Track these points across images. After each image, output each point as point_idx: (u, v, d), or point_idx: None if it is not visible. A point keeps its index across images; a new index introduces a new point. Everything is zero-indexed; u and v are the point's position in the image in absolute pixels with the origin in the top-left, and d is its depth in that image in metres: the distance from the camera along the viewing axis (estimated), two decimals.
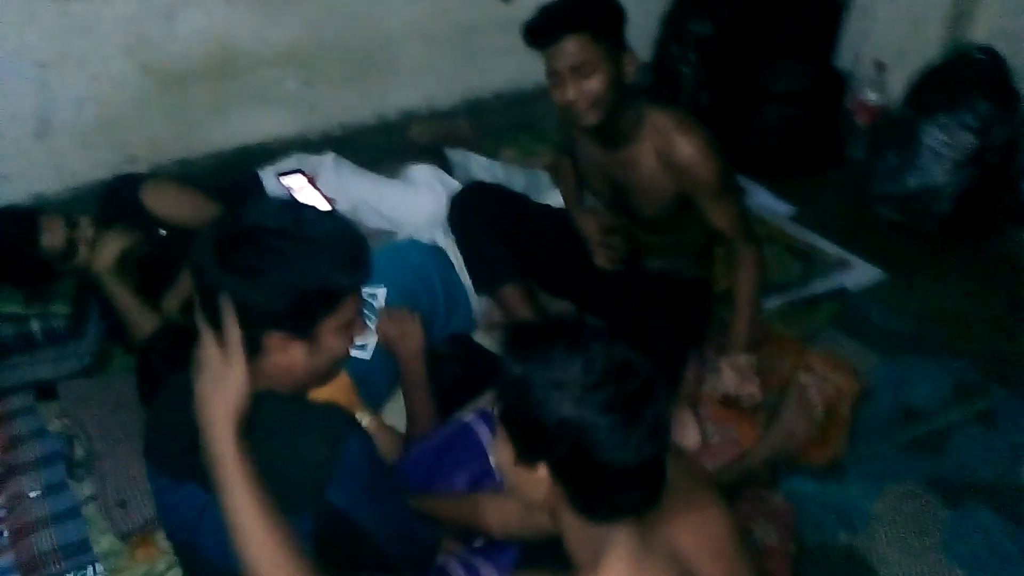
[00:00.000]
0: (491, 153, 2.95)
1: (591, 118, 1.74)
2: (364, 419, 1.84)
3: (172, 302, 2.20)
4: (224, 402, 1.10)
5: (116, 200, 2.22)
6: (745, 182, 2.96)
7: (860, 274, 2.52)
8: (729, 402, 1.92)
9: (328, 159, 2.45)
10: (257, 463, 1.09)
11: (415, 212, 2.32)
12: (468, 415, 1.73)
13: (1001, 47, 2.68)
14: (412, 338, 1.76)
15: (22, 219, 2.05)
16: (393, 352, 1.78)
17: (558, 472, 1.00)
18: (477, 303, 2.22)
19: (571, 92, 1.70)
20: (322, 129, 2.85)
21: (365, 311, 2.04)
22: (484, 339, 2.20)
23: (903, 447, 1.97)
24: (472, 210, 2.11)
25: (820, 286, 2.46)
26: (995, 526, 1.79)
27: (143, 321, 2.02)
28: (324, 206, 2.02)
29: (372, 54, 2.83)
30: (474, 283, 2.13)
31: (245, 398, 1.10)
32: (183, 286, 2.22)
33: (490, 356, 2.11)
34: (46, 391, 2.05)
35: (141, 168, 2.60)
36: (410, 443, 1.73)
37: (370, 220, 2.38)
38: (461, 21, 2.92)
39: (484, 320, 2.25)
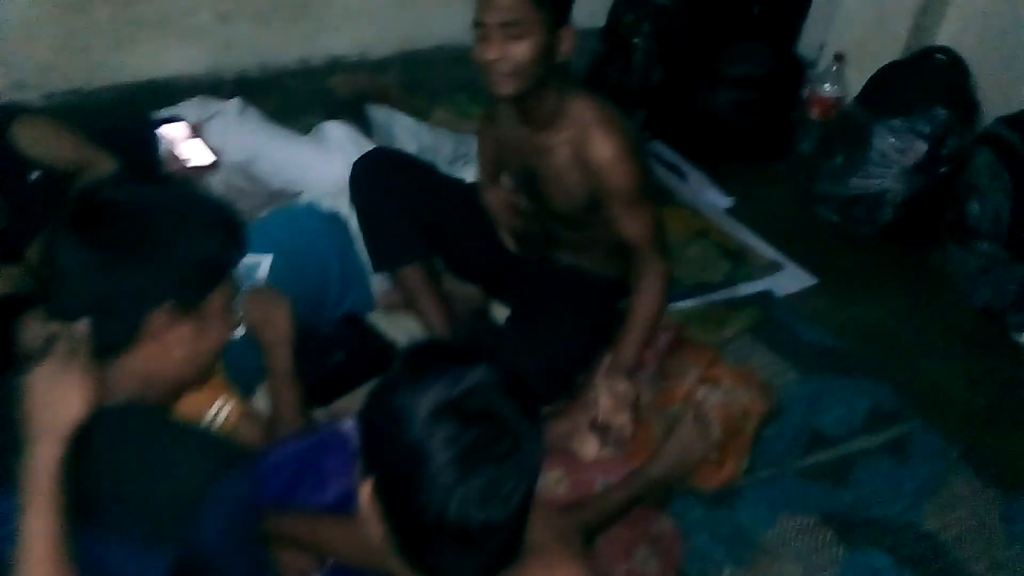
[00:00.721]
0: (423, 113, 2.75)
1: (507, 87, 1.56)
2: (228, 405, 1.69)
3: (40, 253, 2.01)
4: (59, 413, 1.00)
5: None
6: (686, 166, 2.83)
7: (790, 278, 2.40)
8: (598, 429, 1.77)
9: (231, 105, 2.24)
10: (112, 484, 1.01)
11: (320, 175, 2.14)
12: (346, 419, 1.59)
13: (967, 52, 2.53)
14: (278, 323, 1.58)
15: None
16: (256, 337, 1.62)
17: (381, 498, 0.90)
18: (376, 282, 2.06)
19: (493, 51, 1.52)
20: (237, 69, 2.64)
21: (242, 284, 1.89)
22: (381, 321, 2.05)
23: (805, 473, 1.87)
24: (374, 179, 1.92)
25: (746, 288, 2.34)
26: (889, 571, 1.70)
27: None
28: (207, 159, 1.83)
29: None
30: (372, 260, 1.97)
31: (88, 410, 1.00)
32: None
33: (382, 342, 1.96)
34: None
35: (31, 96, 2.37)
36: (272, 443, 1.59)
37: (270, 178, 2.19)
38: None
39: (382, 301, 2.09)
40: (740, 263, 2.41)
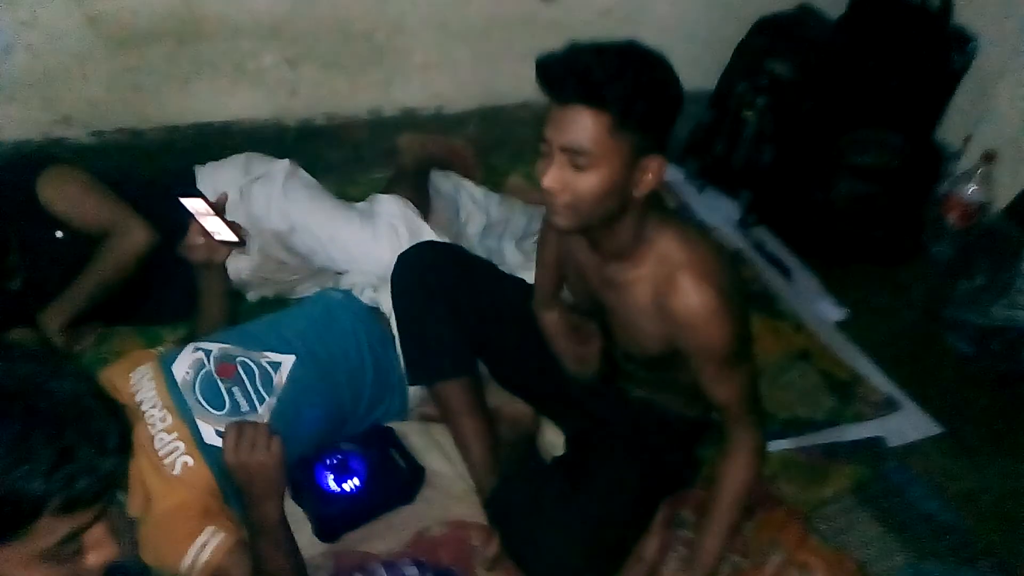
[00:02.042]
0: (497, 176, 2.49)
1: (563, 220, 1.26)
2: (216, 539, 1.43)
3: (55, 318, 1.82)
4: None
5: (7, 190, 1.82)
6: (793, 263, 2.46)
7: (908, 423, 2.00)
8: None
9: (279, 168, 2.01)
10: None
11: (364, 259, 1.87)
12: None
13: None
14: (266, 472, 1.32)
15: None
16: (238, 486, 1.36)
17: None
18: (415, 390, 1.79)
19: (551, 177, 1.21)
20: (302, 117, 2.41)
21: (257, 386, 1.64)
22: (414, 435, 1.77)
23: None
24: (417, 280, 1.64)
25: (853, 432, 1.95)
26: None
27: None
28: (230, 237, 1.59)
29: (375, 40, 2.36)
30: (408, 372, 1.69)
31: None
32: (72, 301, 1.84)
33: (409, 464, 1.68)
34: None
35: (78, 133, 2.20)
36: None
37: (312, 254, 1.95)
38: (487, 14, 2.42)
39: (419, 410, 1.81)
40: (849, 398, 2.03)
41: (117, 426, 0.80)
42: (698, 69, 2.74)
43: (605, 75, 1.15)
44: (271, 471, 1.30)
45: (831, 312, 2.30)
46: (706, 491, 1.54)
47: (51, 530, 0.76)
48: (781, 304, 2.28)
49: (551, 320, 1.60)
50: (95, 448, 0.77)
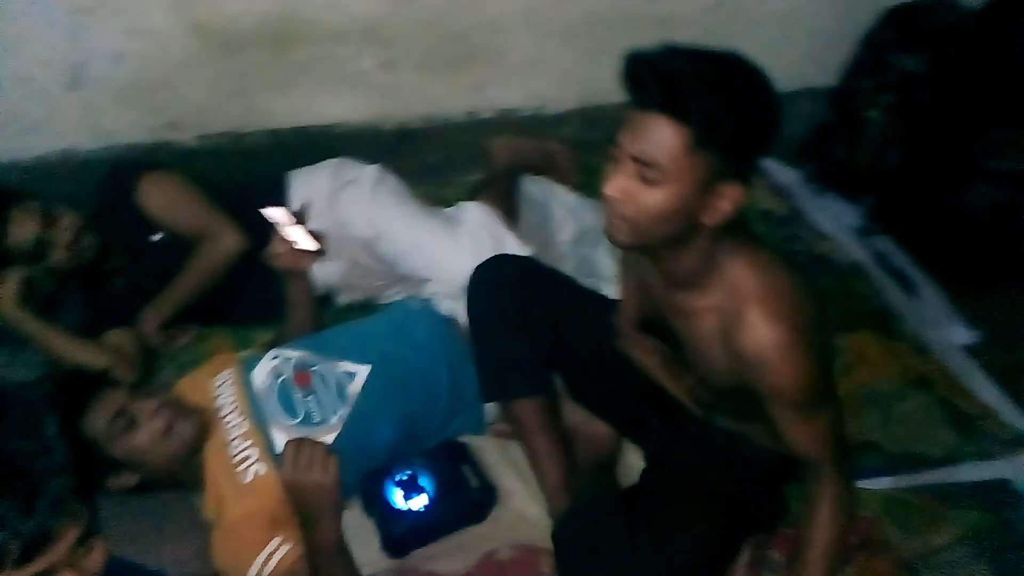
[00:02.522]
0: (593, 180, 2.38)
1: (617, 233, 1.16)
2: (285, 547, 1.43)
3: (152, 320, 1.89)
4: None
5: (110, 194, 1.90)
6: (918, 277, 2.24)
7: None
8: None
9: (368, 173, 2.00)
10: None
11: (446, 268, 1.83)
12: None
13: None
14: (322, 491, 1.30)
15: None
16: (295, 508, 1.34)
17: None
18: (491, 405, 1.73)
19: (615, 185, 1.12)
20: (400, 120, 2.40)
21: (332, 395, 1.63)
22: (489, 452, 1.72)
23: None
24: (493, 295, 1.59)
25: (975, 472, 1.75)
26: None
27: (84, 358, 1.71)
28: (312, 246, 1.59)
29: (472, 40, 2.32)
30: (481, 388, 1.64)
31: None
32: (168, 302, 1.89)
33: (481, 483, 1.63)
34: None
35: (185, 136, 2.27)
36: None
37: (397, 262, 1.93)
38: (588, 11, 2.33)
39: (496, 427, 1.76)
40: (972, 433, 1.82)
41: (60, 479, 0.75)
42: (818, 64, 2.56)
43: (694, 86, 1.04)
44: (326, 492, 1.28)
45: (960, 335, 2.07)
46: (794, 531, 1.40)
47: None
48: (901, 323, 2.08)
49: (636, 343, 1.50)
50: (18, 507, 0.72)
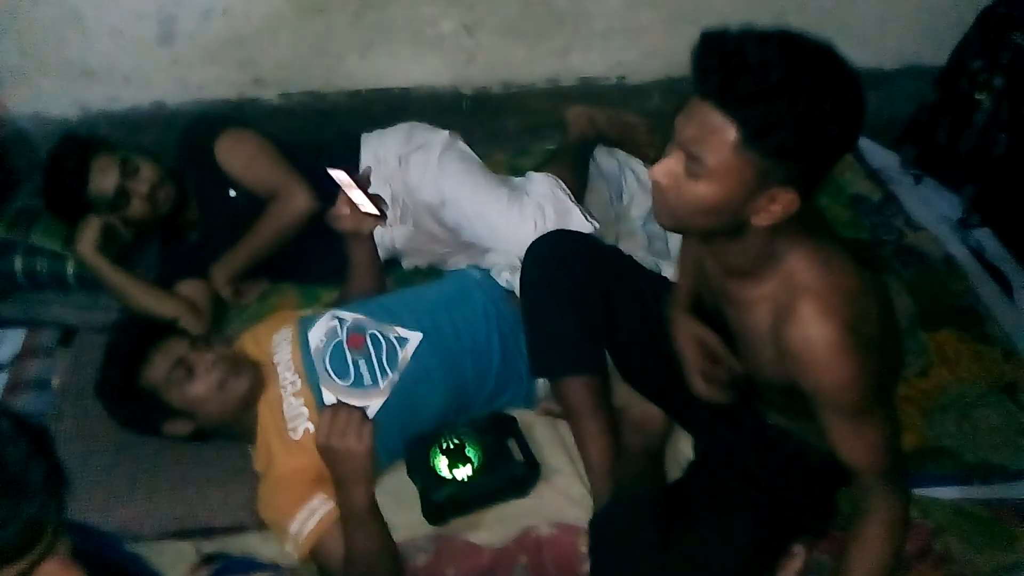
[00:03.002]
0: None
1: (659, 216, 1.12)
2: (323, 508, 1.46)
3: (222, 273, 1.94)
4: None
5: (190, 147, 1.95)
6: (1017, 276, 2.09)
7: None
8: None
9: (438, 139, 1.99)
10: None
11: (508, 238, 1.81)
12: None
13: None
14: (352, 460, 1.31)
15: (78, 152, 1.84)
16: (328, 469, 1.36)
17: None
18: (543, 381, 1.72)
19: (661, 169, 1.06)
20: (480, 84, 2.38)
21: (383, 360, 1.64)
22: (536, 428, 1.71)
23: None
24: (547, 271, 1.56)
25: None
26: None
27: (156, 307, 1.78)
28: (372, 210, 1.60)
29: (556, 5, 2.26)
30: (530, 360, 1.62)
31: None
32: (238, 257, 1.94)
33: (525, 458, 1.61)
34: (70, 336, 1.90)
35: (269, 93, 2.32)
36: None
37: (461, 229, 1.92)
38: None
39: (544, 404, 1.74)
40: None
41: (39, 464, 0.74)
42: (927, 41, 2.40)
43: (754, 84, 0.96)
44: (359, 459, 1.29)
45: None
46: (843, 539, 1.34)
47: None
48: (992, 325, 1.94)
49: (686, 333, 1.45)
50: (13, 495, 0.72)
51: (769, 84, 0.96)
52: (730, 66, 0.97)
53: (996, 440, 1.70)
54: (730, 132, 0.99)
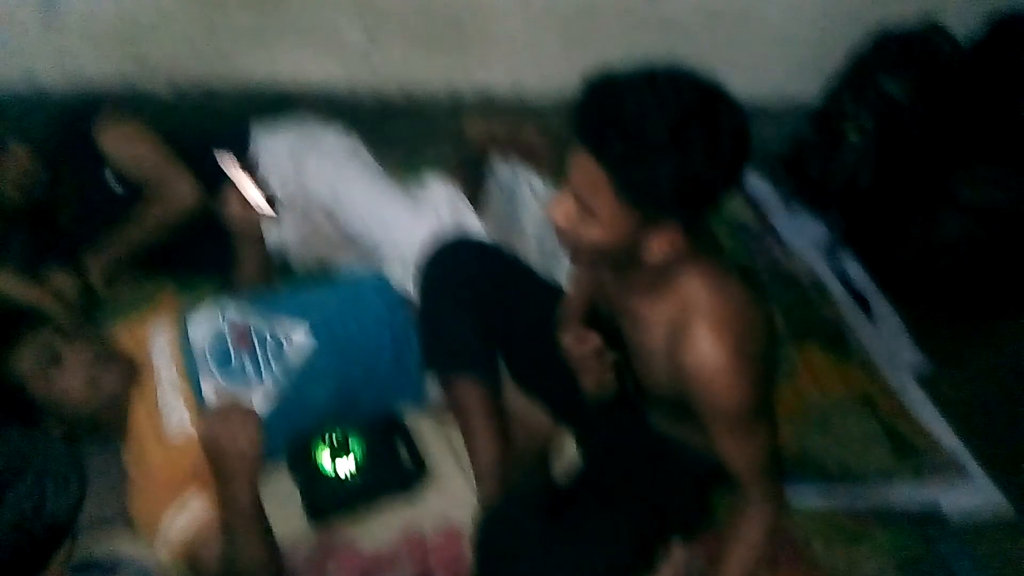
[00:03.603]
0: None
1: (563, 247, 1.14)
2: (194, 505, 1.40)
3: (96, 263, 1.86)
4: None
5: (70, 132, 1.86)
6: (876, 299, 2.24)
7: (973, 493, 1.76)
8: None
9: (334, 138, 1.97)
10: None
11: (401, 241, 1.80)
12: None
13: None
14: (237, 452, 1.27)
15: None
16: (211, 465, 1.31)
17: None
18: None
19: (557, 210, 1.08)
20: (378, 91, 2.37)
21: (268, 355, 1.60)
22: (426, 430, 1.70)
23: None
24: (446, 272, 1.56)
25: (907, 495, 1.74)
26: None
27: (21, 295, 1.68)
28: (260, 202, 1.56)
29: (461, 19, 2.29)
30: (424, 356, 1.61)
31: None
32: (114, 247, 1.86)
33: (411, 458, 1.60)
34: None
35: (159, 87, 2.24)
36: None
37: (351, 224, 1.89)
38: (580, 2, 2.31)
39: (434, 406, 1.73)
40: (909, 454, 1.81)
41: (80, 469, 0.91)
42: (805, 80, 2.55)
43: (627, 144, 0.97)
44: (245, 450, 1.25)
45: (911, 360, 2.07)
46: (717, 538, 1.39)
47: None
48: (852, 342, 2.07)
49: (575, 342, 1.47)
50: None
51: (643, 144, 0.97)
52: (606, 121, 0.98)
53: (854, 448, 1.81)
54: (608, 184, 1.00)
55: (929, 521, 1.70)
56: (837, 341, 2.04)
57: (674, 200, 1.01)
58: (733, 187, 1.06)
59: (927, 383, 2.01)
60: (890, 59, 2.34)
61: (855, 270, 2.33)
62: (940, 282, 2.22)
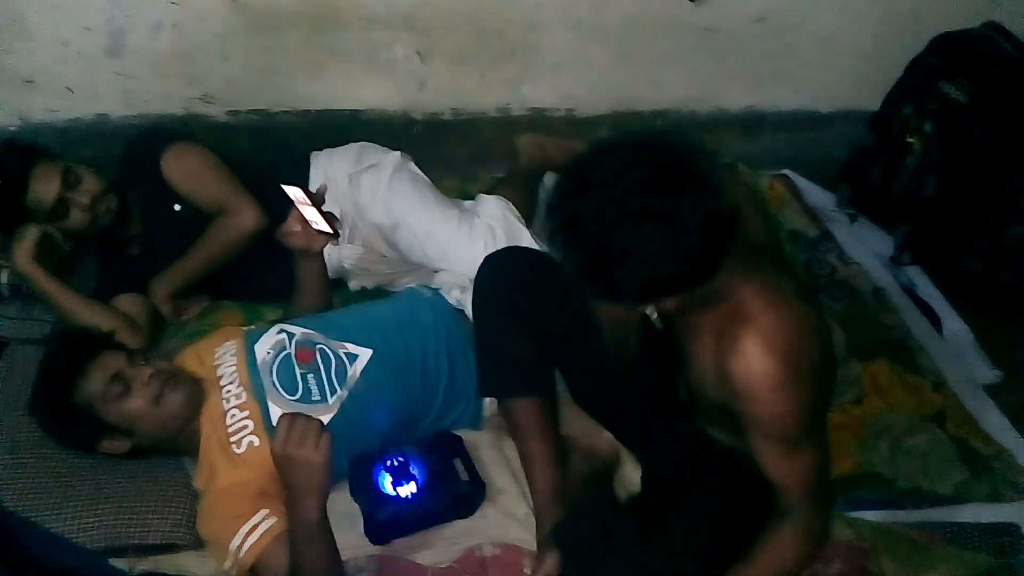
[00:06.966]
0: None
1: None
2: (270, 521, 1.42)
3: (162, 289, 1.90)
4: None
5: (135, 160, 1.92)
6: (945, 312, 2.18)
7: None
8: None
9: (390, 160, 1.99)
10: None
11: (458, 258, 1.82)
12: None
13: None
14: (309, 470, 1.28)
15: (19, 159, 1.79)
16: (282, 482, 1.33)
17: None
18: (490, 400, 1.72)
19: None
20: (431, 110, 2.40)
21: (332, 375, 1.62)
22: (484, 447, 1.70)
23: None
24: (500, 289, 1.57)
25: (984, 514, 1.69)
26: None
27: (92, 320, 1.73)
28: (324, 228, 1.59)
29: (508, 36, 2.31)
30: (479, 380, 1.62)
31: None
32: (180, 273, 1.90)
33: (471, 476, 1.60)
34: (1, 348, 1.82)
35: (216, 111, 2.30)
36: None
37: (411, 250, 1.92)
38: (628, 14, 2.30)
39: (492, 421, 1.74)
40: (985, 473, 1.75)
41: None
42: (861, 87, 2.51)
43: (578, 245, 1.02)
44: (315, 469, 1.27)
45: (983, 373, 2.01)
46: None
47: None
48: (921, 356, 2.01)
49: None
50: None
51: (604, 256, 1.00)
52: (569, 230, 1.02)
53: (926, 466, 1.76)
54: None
55: (1005, 537, 1.64)
56: (904, 355, 1.98)
57: (647, 297, 1.07)
58: (715, 271, 1.05)
59: (999, 395, 1.96)
60: (949, 61, 2.29)
61: (920, 280, 2.28)
62: (1010, 290, 2.16)
